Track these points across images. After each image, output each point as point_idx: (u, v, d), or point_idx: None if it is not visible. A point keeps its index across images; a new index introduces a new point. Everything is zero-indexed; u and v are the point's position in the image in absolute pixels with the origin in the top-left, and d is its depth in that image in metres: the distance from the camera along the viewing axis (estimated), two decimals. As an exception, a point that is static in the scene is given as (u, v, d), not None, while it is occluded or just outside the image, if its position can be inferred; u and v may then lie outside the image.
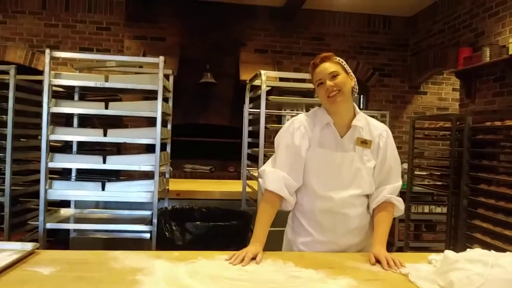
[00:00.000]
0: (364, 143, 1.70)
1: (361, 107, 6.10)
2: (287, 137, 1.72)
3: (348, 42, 5.83)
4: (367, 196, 1.75)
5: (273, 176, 1.68)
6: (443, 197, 4.29)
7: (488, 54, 3.91)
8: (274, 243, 1.79)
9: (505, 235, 3.13)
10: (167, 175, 2.94)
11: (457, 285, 1.23)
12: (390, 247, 5.16)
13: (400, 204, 1.75)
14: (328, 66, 1.66)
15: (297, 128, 1.72)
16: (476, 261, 1.29)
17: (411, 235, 4.61)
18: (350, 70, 1.71)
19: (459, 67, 4.42)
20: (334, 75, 1.65)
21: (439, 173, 4.25)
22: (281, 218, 1.83)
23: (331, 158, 1.68)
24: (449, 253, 1.39)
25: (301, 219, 1.76)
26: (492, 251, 1.38)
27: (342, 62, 1.70)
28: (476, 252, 1.38)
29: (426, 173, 4.52)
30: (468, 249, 1.42)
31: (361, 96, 6.12)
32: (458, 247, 3.49)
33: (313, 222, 1.72)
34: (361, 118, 1.73)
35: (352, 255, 1.68)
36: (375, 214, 1.72)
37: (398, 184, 1.75)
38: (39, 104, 2.39)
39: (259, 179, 1.77)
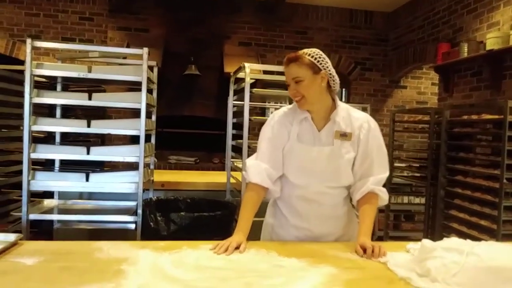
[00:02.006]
0: (344, 135, 1.71)
1: (343, 100, 6.17)
2: (268, 130, 1.78)
3: (330, 36, 5.89)
4: (346, 187, 1.79)
5: (256, 169, 1.73)
6: (422, 188, 4.40)
7: (466, 49, 4.01)
8: (258, 233, 1.84)
9: (481, 225, 3.25)
10: (151, 166, 2.94)
11: (434, 272, 1.27)
12: (371, 236, 5.26)
13: (383, 194, 1.77)
14: (293, 71, 1.65)
15: (276, 121, 1.77)
16: (452, 250, 1.33)
17: (390, 225, 4.73)
18: (324, 66, 1.66)
19: (438, 62, 4.52)
20: (297, 81, 1.65)
21: (417, 165, 4.36)
22: (264, 209, 1.88)
23: (307, 152, 1.71)
24: (426, 241, 1.45)
25: (279, 204, 1.82)
26: (468, 240, 1.44)
27: (314, 59, 1.65)
28: (452, 241, 1.43)
29: (405, 164, 4.63)
30: (445, 238, 1.48)
31: (343, 89, 6.20)
32: (436, 237, 3.60)
33: (290, 207, 1.78)
34: (341, 111, 1.74)
35: (333, 244, 1.72)
36: (360, 206, 1.75)
37: (382, 175, 1.76)
38: (21, 95, 2.36)
39: (243, 172, 1.81)
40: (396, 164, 4.63)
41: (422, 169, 4.20)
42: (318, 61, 1.66)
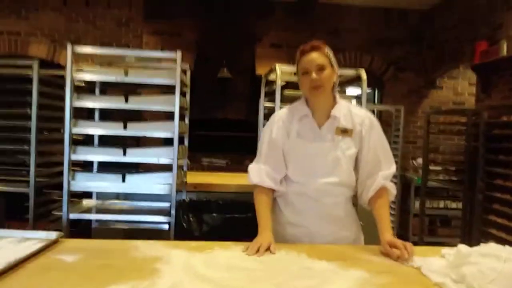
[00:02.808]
0: (345, 132, 1.72)
1: (376, 101, 6.08)
2: (267, 132, 1.79)
3: (363, 37, 5.80)
4: (348, 187, 1.77)
5: (256, 171, 1.76)
6: (458, 192, 4.28)
7: (505, 48, 3.86)
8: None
9: (521, 231, 3.13)
10: (185, 168, 3.00)
11: (469, 278, 1.24)
12: (404, 241, 5.15)
13: (392, 189, 1.77)
14: (317, 57, 1.66)
15: (275, 122, 1.78)
16: (489, 256, 1.30)
17: (425, 230, 4.62)
18: (335, 64, 1.71)
19: (475, 62, 4.38)
20: (320, 68, 1.65)
21: (454, 168, 4.23)
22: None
23: (307, 148, 1.71)
24: (462, 247, 1.41)
25: (278, 200, 1.82)
26: (506, 246, 1.40)
27: (330, 54, 1.70)
28: (489, 247, 1.39)
29: (441, 168, 4.51)
30: (482, 244, 1.44)
31: (376, 90, 6.10)
32: (473, 243, 3.47)
33: (287, 204, 1.77)
34: (342, 107, 1.74)
35: (364, 247, 1.71)
36: (373, 203, 1.73)
37: (390, 171, 1.76)
38: (62, 98, 2.47)
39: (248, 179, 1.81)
40: (431, 167, 4.52)
41: (458, 172, 4.08)
42: (332, 56, 1.71)
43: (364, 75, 2.71)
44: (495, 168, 3.52)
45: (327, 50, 1.70)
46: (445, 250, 1.57)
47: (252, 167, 1.79)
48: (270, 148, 1.76)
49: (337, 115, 1.72)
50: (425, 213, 4.45)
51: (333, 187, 1.73)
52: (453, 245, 1.52)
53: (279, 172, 1.75)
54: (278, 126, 1.76)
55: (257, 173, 1.75)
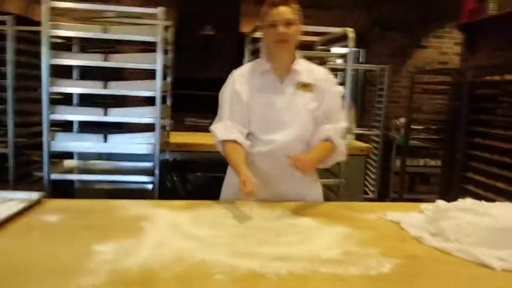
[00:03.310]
0: (306, 86, 1.73)
1: (361, 60, 6.04)
2: (227, 87, 1.77)
3: (349, -6, 5.68)
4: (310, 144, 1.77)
5: (221, 128, 1.72)
6: (439, 150, 4.36)
7: (493, 7, 3.83)
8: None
9: (498, 187, 3.22)
10: (168, 128, 2.97)
11: (447, 232, 1.29)
12: (385, 198, 5.32)
13: (340, 146, 1.75)
14: (286, 11, 1.65)
15: (236, 77, 1.77)
16: (467, 210, 1.35)
17: (405, 187, 4.74)
18: (301, 21, 1.71)
19: (462, 20, 4.34)
20: (288, 23, 1.64)
21: (435, 127, 4.29)
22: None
23: (271, 101, 1.71)
24: (440, 202, 1.46)
25: None
26: (483, 201, 1.44)
27: (298, 9, 1.69)
28: (467, 202, 1.44)
29: (422, 127, 4.57)
30: (459, 200, 1.48)
31: (361, 49, 6.04)
32: (451, 199, 3.58)
33: (253, 166, 1.71)
34: (302, 63, 1.76)
35: (347, 204, 1.75)
36: (319, 142, 1.73)
37: (341, 125, 1.77)
38: (39, 56, 2.38)
39: (213, 138, 1.77)
40: (413, 127, 4.57)
41: (440, 131, 4.14)
42: (300, 12, 1.70)
43: (351, 34, 2.67)
44: (476, 127, 3.58)
45: (296, 5, 1.69)
46: (424, 205, 1.61)
47: (216, 126, 1.75)
48: (234, 102, 1.73)
49: (298, 69, 1.73)
50: (406, 171, 4.54)
51: (297, 143, 1.73)
52: (432, 201, 1.56)
53: (244, 126, 1.73)
54: (240, 81, 1.75)
55: (223, 129, 1.71)
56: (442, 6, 5.08)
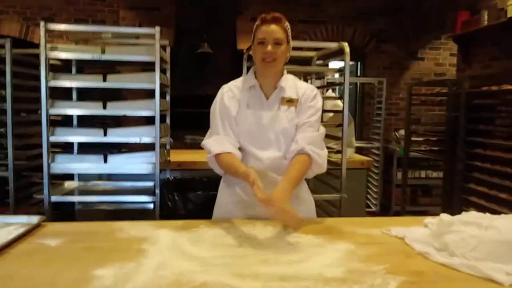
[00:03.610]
0: (290, 101, 1.75)
1: (359, 74, 6.08)
2: (217, 102, 1.78)
3: (344, 8, 5.74)
4: None
5: (214, 141, 1.72)
6: (439, 162, 4.35)
7: (486, 17, 3.87)
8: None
9: (500, 198, 3.21)
10: (167, 146, 2.96)
11: (452, 247, 1.27)
12: (387, 211, 5.29)
13: (317, 157, 1.70)
14: (276, 31, 1.67)
15: (225, 92, 1.78)
16: (470, 224, 1.33)
17: (407, 199, 4.71)
18: (290, 39, 1.74)
19: (457, 32, 4.38)
20: (277, 43, 1.67)
21: (435, 139, 4.29)
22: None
23: (257, 117, 1.73)
24: (444, 216, 1.44)
25: (232, 180, 1.79)
26: (487, 214, 1.43)
27: (288, 29, 1.72)
28: (471, 215, 1.42)
29: (422, 139, 4.57)
30: (463, 212, 1.47)
31: (358, 63, 6.08)
32: (454, 211, 3.55)
33: (241, 182, 1.70)
34: (288, 79, 1.78)
35: (350, 220, 1.74)
36: (293, 159, 1.68)
37: (312, 134, 1.72)
38: (37, 78, 2.39)
39: (206, 156, 1.76)
40: (413, 138, 4.58)
41: (439, 142, 4.14)
42: (289, 31, 1.73)
43: (347, 49, 2.68)
44: (475, 137, 3.58)
45: (287, 24, 1.72)
46: (428, 219, 1.59)
47: (207, 141, 1.75)
48: (224, 117, 1.74)
49: (283, 86, 1.75)
50: (407, 183, 4.52)
51: (281, 159, 1.71)
52: (435, 214, 1.55)
53: (236, 140, 1.73)
54: (229, 96, 1.76)
55: (216, 143, 1.71)
56: (438, 18, 5.13)
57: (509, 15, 3.55)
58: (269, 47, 1.65)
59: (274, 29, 1.66)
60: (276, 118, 1.73)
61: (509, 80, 3.33)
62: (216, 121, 1.76)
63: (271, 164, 1.71)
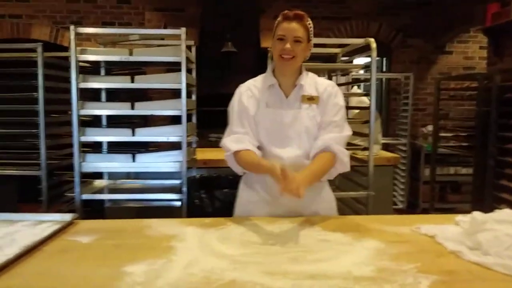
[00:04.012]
0: (311, 99, 1.71)
1: (384, 69, 5.98)
2: (235, 101, 1.76)
3: (369, 3, 5.65)
4: None
5: (232, 140, 1.70)
6: (469, 158, 4.24)
7: (519, 8, 3.74)
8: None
9: (534, 195, 3.11)
10: (194, 145, 2.99)
11: (485, 245, 1.24)
12: (414, 208, 5.19)
13: (342, 155, 1.69)
14: (297, 28, 1.64)
15: (244, 91, 1.76)
16: (504, 222, 1.30)
17: (436, 196, 4.61)
18: (312, 38, 1.72)
19: (486, 24, 4.25)
20: (297, 40, 1.64)
21: (465, 134, 4.18)
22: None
23: (277, 116, 1.71)
24: (477, 214, 1.41)
25: (252, 178, 1.79)
26: (521, 211, 1.39)
27: (311, 27, 1.70)
28: (504, 213, 1.39)
29: (451, 134, 4.46)
30: (496, 210, 1.42)
31: (384, 58, 5.98)
32: (485, 208, 3.45)
33: (262, 181, 1.73)
34: (307, 77, 1.76)
35: (376, 217, 1.72)
36: (315, 155, 1.68)
37: (341, 134, 1.71)
38: (67, 80, 2.45)
39: (225, 154, 1.75)
40: (441, 134, 4.47)
41: (469, 138, 4.03)
42: (312, 29, 1.70)
43: (373, 44, 2.64)
44: (507, 132, 3.47)
45: (309, 22, 1.69)
46: (459, 217, 1.56)
47: (226, 139, 1.73)
48: (242, 116, 1.72)
49: (302, 84, 1.73)
50: (436, 180, 4.43)
51: (302, 157, 1.70)
52: (465, 211, 1.51)
53: (255, 138, 1.72)
54: (248, 95, 1.74)
55: (235, 141, 1.69)
56: (466, 10, 4.99)
57: (542, 5, 3.42)
58: (288, 45, 1.63)
59: (295, 27, 1.64)
60: (297, 117, 1.70)
61: (543, 73, 3.21)
62: (235, 121, 1.74)
63: (292, 162, 1.67)
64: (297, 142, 1.71)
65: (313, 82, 1.76)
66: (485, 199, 3.65)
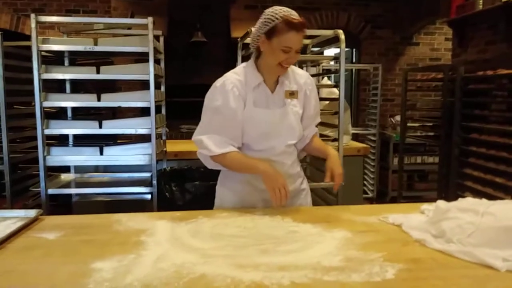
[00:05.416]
0: (292, 94, 1.74)
1: (354, 60, 6.06)
2: (219, 99, 1.65)
3: (339, -6, 5.70)
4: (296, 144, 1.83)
5: (214, 142, 1.65)
6: (435, 147, 4.37)
7: (481, 1, 3.85)
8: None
9: (496, 183, 3.23)
10: (163, 137, 2.96)
11: (449, 233, 1.28)
12: (384, 197, 5.32)
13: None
14: (301, 40, 1.63)
15: (230, 89, 1.65)
16: (467, 210, 1.33)
17: (404, 185, 4.74)
18: None
19: (451, 16, 4.36)
20: (298, 51, 1.63)
21: (431, 124, 4.30)
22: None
23: (267, 115, 1.70)
24: (441, 203, 1.45)
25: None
26: (483, 200, 1.43)
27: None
28: (467, 201, 1.43)
29: (418, 124, 4.58)
30: (459, 198, 1.47)
31: (353, 49, 6.06)
32: (450, 195, 3.60)
33: (243, 177, 1.74)
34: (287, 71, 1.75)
35: (347, 207, 1.74)
36: (310, 143, 1.86)
37: (318, 119, 1.93)
38: (30, 71, 2.36)
39: (201, 149, 1.71)
40: (409, 124, 4.59)
41: (435, 128, 4.15)
42: None
43: (342, 36, 2.66)
44: (471, 122, 3.59)
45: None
46: (425, 206, 1.61)
47: (204, 138, 1.67)
48: (228, 119, 1.65)
49: (285, 80, 1.74)
50: (403, 169, 4.55)
51: (290, 147, 1.78)
52: (431, 198, 1.55)
53: (236, 141, 1.69)
54: (234, 95, 1.65)
55: (217, 143, 1.65)
56: (433, 2, 5.10)
57: (504, -1, 3.53)
58: (292, 56, 1.61)
59: (300, 38, 1.60)
60: (284, 114, 1.72)
61: (505, 65, 3.33)
62: (216, 120, 1.66)
63: (280, 154, 1.74)
64: (282, 137, 1.73)
65: (292, 74, 1.77)
66: (450, 187, 3.78)
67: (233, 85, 1.66)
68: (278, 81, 1.73)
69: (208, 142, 1.66)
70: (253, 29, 1.68)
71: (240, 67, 1.75)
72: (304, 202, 1.87)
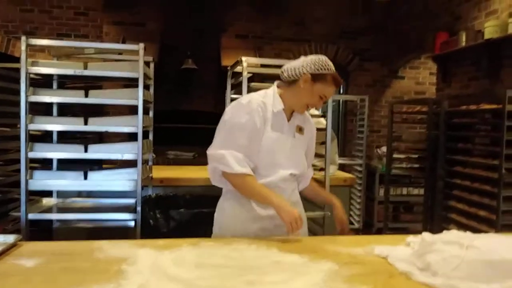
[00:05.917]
0: (300, 130, 1.86)
1: (341, 91, 6.16)
2: (244, 117, 1.69)
3: (328, 27, 5.84)
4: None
5: (236, 159, 1.67)
6: (421, 179, 4.41)
7: (464, 38, 3.99)
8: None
9: (480, 216, 3.26)
10: (150, 163, 2.93)
11: (434, 266, 1.28)
12: (370, 228, 5.31)
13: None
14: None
15: (255, 108, 1.70)
16: (452, 243, 1.34)
17: (389, 216, 4.74)
18: None
19: (436, 52, 4.50)
20: (325, 102, 1.90)
21: (416, 156, 4.36)
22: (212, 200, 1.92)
23: (281, 141, 1.77)
24: (426, 235, 1.45)
25: (239, 195, 1.77)
26: (468, 233, 1.44)
27: None
28: (452, 234, 1.44)
29: (404, 156, 4.63)
30: (444, 231, 1.47)
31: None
32: (435, 228, 3.61)
33: (242, 199, 1.77)
34: None
35: (333, 238, 1.74)
36: (310, 185, 2.00)
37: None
38: (17, 93, 2.34)
39: (218, 164, 1.71)
40: (394, 156, 4.63)
41: (420, 160, 4.20)
42: None
43: (330, 67, 2.71)
44: (455, 155, 3.65)
45: None
46: (410, 238, 1.60)
47: (226, 154, 1.67)
48: (252, 138, 1.69)
49: (297, 115, 1.85)
50: (389, 200, 4.56)
51: (292, 178, 1.83)
52: (417, 230, 1.56)
53: (253, 162, 1.72)
54: (259, 115, 1.70)
55: (238, 161, 1.67)
56: (418, 38, 5.26)
57: (486, 37, 3.67)
58: (320, 103, 1.79)
59: (335, 91, 1.81)
60: (294, 144, 1.82)
61: (487, 100, 3.42)
62: (238, 136, 1.68)
63: (283, 181, 1.78)
64: (289, 165, 1.79)
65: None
66: (435, 219, 3.79)
67: (257, 105, 1.72)
68: (292, 114, 1.83)
69: (230, 158, 1.67)
70: (295, 62, 1.78)
71: (262, 91, 1.82)
72: (302, 233, 1.82)
